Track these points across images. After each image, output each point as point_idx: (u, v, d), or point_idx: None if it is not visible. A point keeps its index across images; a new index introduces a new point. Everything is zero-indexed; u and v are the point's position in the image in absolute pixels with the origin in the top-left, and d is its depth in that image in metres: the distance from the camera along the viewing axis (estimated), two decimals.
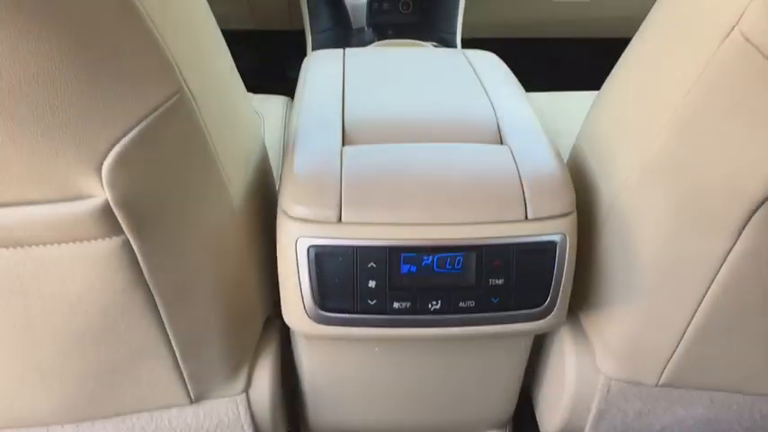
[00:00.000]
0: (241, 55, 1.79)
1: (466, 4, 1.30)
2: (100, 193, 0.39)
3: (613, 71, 0.55)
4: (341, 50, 0.76)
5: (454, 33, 1.26)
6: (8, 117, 0.33)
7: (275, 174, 0.92)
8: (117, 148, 0.37)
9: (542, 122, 0.60)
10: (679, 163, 0.43)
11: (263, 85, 1.79)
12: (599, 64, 1.88)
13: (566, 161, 0.88)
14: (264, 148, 0.59)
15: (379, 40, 1.23)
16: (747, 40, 0.36)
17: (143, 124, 0.37)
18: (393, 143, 0.53)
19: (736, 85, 0.37)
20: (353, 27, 1.09)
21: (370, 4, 1.09)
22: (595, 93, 1.08)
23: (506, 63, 1.59)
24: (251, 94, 1.07)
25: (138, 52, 0.35)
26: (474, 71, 0.68)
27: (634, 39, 0.52)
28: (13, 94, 0.32)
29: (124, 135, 0.37)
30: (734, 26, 0.36)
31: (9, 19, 0.28)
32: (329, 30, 1.28)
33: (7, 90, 0.31)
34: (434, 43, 1.27)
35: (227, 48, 0.49)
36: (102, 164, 0.37)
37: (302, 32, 1.33)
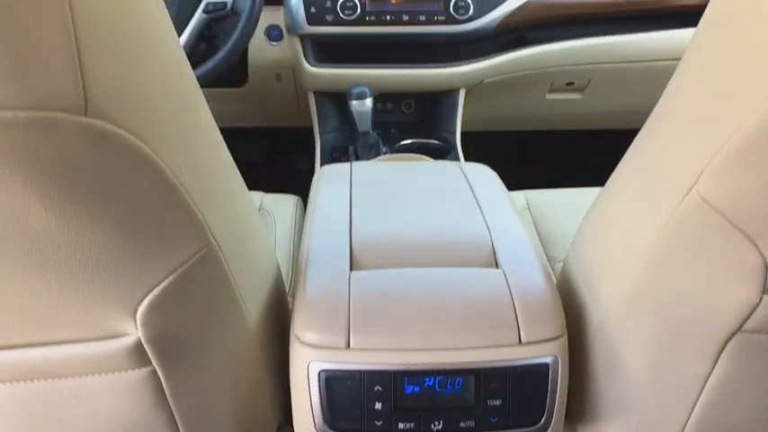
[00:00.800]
0: (253, 148, 1.90)
1: (464, 102, 1.39)
2: (133, 332, 0.44)
3: (598, 197, 0.60)
4: (348, 167, 0.83)
5: (454, 133, 1.34)
6: (62, 279, 0.38)
7: (285, 274, 0.97)
8: (150, 296, 0.42)
9: (533, 244, 0.65)
10: (654, 298, 0.48)
11: (274, 176, 1.88)
12: (588, 153, 1.98)
13: (560, 266, 0.92)
14: (279, 271, 0.64)
15: (383, 139, 1.31)
16: (703, 199, 0.41)
17: (174, 275, 0.42)
18: (397, 268, 0.58)
19: (696, 237, 0.43)
20: (359, 131, 1.17)
21: (374, 106, 1.17)
22: (586, 189, 1.14)
23: (501, 153, 1.69)
24: (263, 194, 1.14)
25: (174, 218, 0.40)
26: (471, 188, 0.74)
27: (610, 180, 0.57)
28: (69, 262, 0.37)
29: (158, 285, 0.42)
30: (692, 187, 0.42)
31: (71, 209, 0.34)
32: (336, 130, 1.37)
33: (65, 258, 0.37)
34: (436, 141, 1.35)
35: (244, 184, 0.55)
36: (137, 309, 0.42)
37: (311, 129, 1.43)
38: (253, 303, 0.53)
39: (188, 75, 0.43)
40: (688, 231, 0.43)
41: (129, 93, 0.33)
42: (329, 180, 0.79)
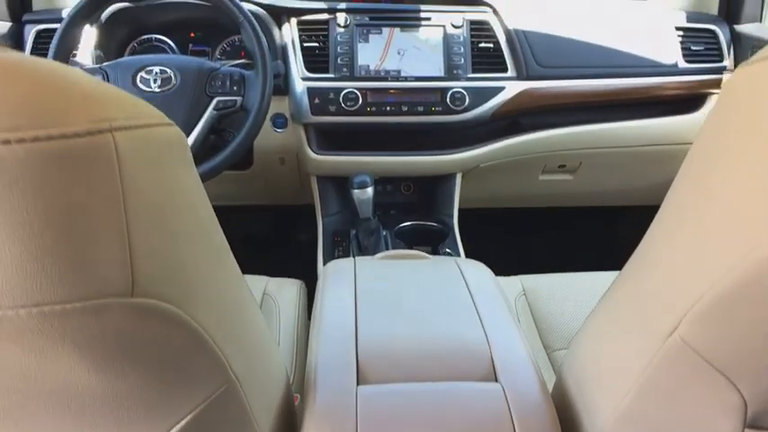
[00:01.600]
0: (256, 221, 1.93)
1: (462, 182, 1.44)
2: None
3: (591, 314, 0.64)
4: (351, 265, 0.87)
5: (451, 216, 1.39)
6: (95, 424, 0.41)
7: (289, 363, 0.99)
8: (174, 430, 0.45)
9: (529, 353, 0.68)
10: (647, 420, 0.51)
11: (276, 249, 1.92)
12: (578, 228, 2.02)
13: (556, 355, 0.95)
14: (287, 380, 0.67)
15: (383, 220, 1.36)
16: (685, 342, 0.45)
17: (196, 411, 0.45)
18: (401, 383, 0.61)
19: (679, 375, 0.46)
20: (360, 217, 1.22)
21: (374, 193, 1.21)
22: (582, 275, 1.18)
23: (497, 229, 1.72)
24: (267, 278, 1.17)
25: (199, 363, 0.44)
26: (469, 292, 0.78)
27: (603, 299, 0.61)
28: (103, 409, 0.40)
29: (181, 420, 0.45)
30: (674, 330, 0.45)
31: (111, 368, 0.37)
32: (338, 213, 1.42)
33: (99, 406, 0.40)
34: (435, 224, 1.39)
35: (259, 310, 0.58)
36: None
37: (312, 206, 1.47)
38: (265, 421, 0.55)
39: (219, 240, 0.47)
40: (672, 369, 0.47)
41: (170, 266, 0.37)
42: (334, 282, 0.82)
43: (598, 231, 1.94)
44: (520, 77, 1.34)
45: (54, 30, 1.30)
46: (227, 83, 1.11)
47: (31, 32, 1.32)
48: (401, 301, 0.76)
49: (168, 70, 1.10)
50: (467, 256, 1.32)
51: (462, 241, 1.38)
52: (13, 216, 0.29)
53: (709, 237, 0.43)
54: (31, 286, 0.30)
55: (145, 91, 1.09)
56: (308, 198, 1.49)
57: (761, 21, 1.42)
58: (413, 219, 1.41)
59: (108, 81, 1.10)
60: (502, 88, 1.32)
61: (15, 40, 1.32)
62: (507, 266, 1.83)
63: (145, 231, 0.34)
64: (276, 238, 1.94)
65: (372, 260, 0.91)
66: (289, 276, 1.20)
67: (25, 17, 1.34)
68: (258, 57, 1.11)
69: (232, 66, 1.37)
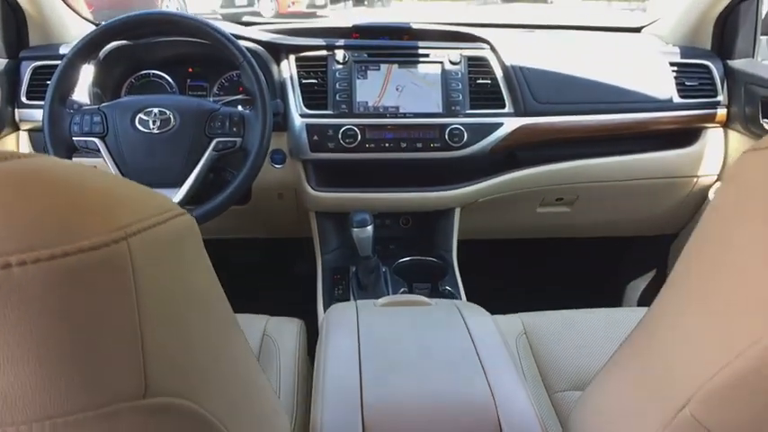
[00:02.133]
0: (254, 252, 1.91)
1: (461, 215, 1.44)
2: None
3: (601, 372, 0.63)
4: (354, 313, 0.86)
5: (450, 251, 1.39)
6: None
7: (290, 405, 0.98)
8: None
9: (533, 405, 0.67)
10: None
11: (274, 279, 1.91)
12: (577, 258, 2.03)
13: (558, 396, 0.93)
14: None
15: (382, 255, 1.35)
16: (695, 418, 0.44)
17: None
18: None
19: None
20: (360, 255, 1.21)
21: (374, 231, 1.21)
22: (582, 312, 1.18)
23: (495, 260, 1.72)
24: (267, 318, 1.16)
25: None
26: (473, 343, 0.77)
27: (611, 362, 0.61)
28: None
29: None
30: (684, 406, 0.45)
31: None
32: (337, 249, 1.41)
33: None
34: (434, 259, 1.39)
35: (264, 377, 0.57)
36: None
37: (310, 238, 1.47)
38: None
39: (226, 314, 0.46)
40: None
41: (182, 361, 0.37)
42: (337, 332, 0.82)
43: (596, 261, 1.95)
44: (517, 113, 1.34)
45: (51, 66, 1.31)
46: (227, 123, 1.11)
47: (27, 69, 1.32)
48: (405, 355, 0.75)
49: (167, 111, 1.10)
50: (466, 291, 1.31)
51: (461, 275, 1.38)
52: (29, 336, 0.28)
53: (718, 319, 0.43)
54: (44, 400, 0.30)
55: (144, 132, 1.09)
56: (307, 231, 1.48)
57: (753, 56, 1.44)
58: (412, 253, 1.40)
59: (106, 122, 1.10)
60: (500, 124, 1.33)
61: (12, 77, 1.32)
62: (507, 300, 1.83)
63: (157, 331, 0.34)
64: (275, 270, 1.93)
65: (374, 307, 0.90)
66: (288, 311, 1.19)
67: (22, 53, 1.34)
68: (258, 98, 1.11)
69: (231, 102, 1.38)
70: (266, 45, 1.34)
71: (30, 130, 1.33)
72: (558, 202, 1.52)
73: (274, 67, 1.34)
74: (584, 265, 1.98)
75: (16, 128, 1.33)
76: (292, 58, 1.34)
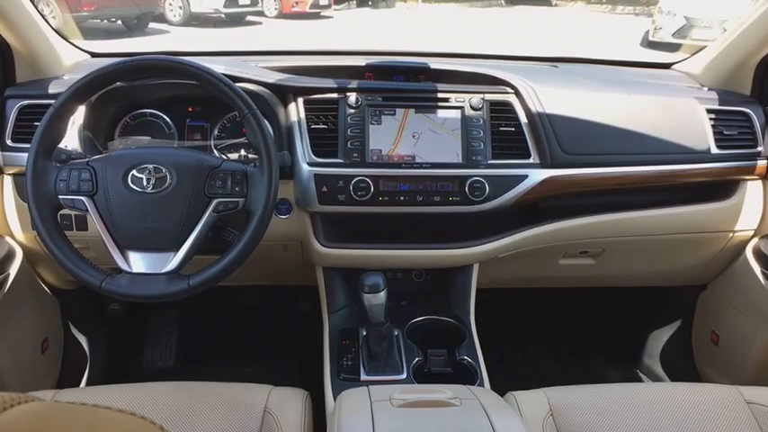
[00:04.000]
0: (255, 295, 1.82)
1: (480, 266, 1.33)
2: None
3: None
4: (368, 405, 0.77)
5: (468, 312, 1.28)
6: None
7: None
8: None
9: None
10: None
11: (276, 320, 1.81)
12: (597, 307, 1.93)
13: None
14: None
15: (393, 314, 1.25)
16: None
17: None
18: None
19: None
20: (371, 322, 1.11)
21: (386, 287, 1.10)
22: (612, 387, 1.08)
23: (507, 306, 1.60)
24: (270, 388, 1.06)
25: None
26: None
27: None
28: None
29: None
30: None
31: None
32: (346, 307, 1.31)
33: None
34: (450, 320, 1.29)
35: None
36: None
37: (315, 287, 1.37)
38: None
39: None
40: None
41: None
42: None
43: (617, 309, 1.85)
44: (543, 165, 1.24)
45: (39, 106, 1.20)
46: (229, 182, 1.01)
47: (13, 109, 1.21)
48: None
49: (163, 168, 1.00)
50: (485, 358, 1.21)
51: (478, 332, 1.27)
52: None
53: None
54: None
55: (137, 192, 0.98)
56: (312, 280, 1.38)
57: None
58: (425, 311, 1.30)
59: (96, 179, 0.99)
60: (524, 176, 1.23)
61: None
62: (527, 360, 1.73)
63: None
64: (275, 307, 1.83)
65: (391, 408, 0.80)
66: (290, 369, 1.09)
67: (8, 92, 1.23)
68: (264, 154, 1.01)
69: (233, 145, 1.27)
70: (272, 87, 1.24)
71: (15, 174, 1.23)
72: (582, 255, 1.42)
73: (281, 111, 1.23)
74: (604, 315, 1.88)
75: (0, 171, 1.23)
76: (300, 101, 1.24)
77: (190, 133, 1.31)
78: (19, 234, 1.27)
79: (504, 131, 1.25)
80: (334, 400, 1.02)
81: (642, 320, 1.78)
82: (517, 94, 1.27)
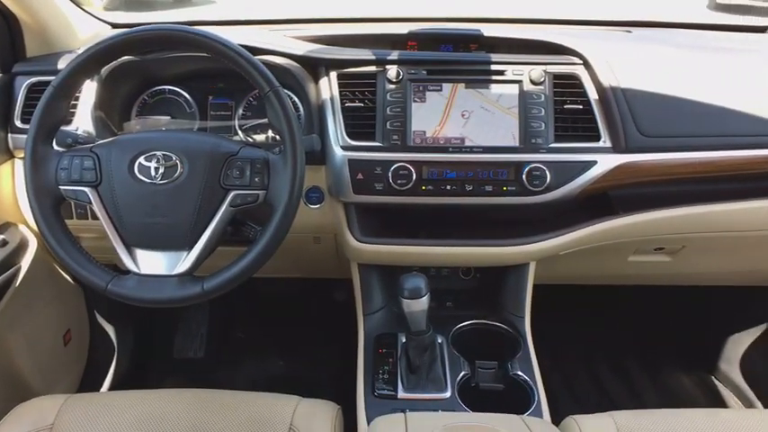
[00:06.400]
0: (288, 288, 1.71)
1: (537, 263, 1.17)
2: None
3: None
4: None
5: (523, 317, 1.13)
6: None
7: None
8: None
9: None
10: None
11: (310, 312, 1.70)
12: (668, 307, 1.72)
13: None
14: None
15: (436, 317, 1.11)
16: None
17: None
18: None
19: None
20: (411, 330, 0.97)
21: (429, 293, 0.96)
22: (686, 413, 0.91)
23: (564, 302, 1.41)
24: (298, 400, 0.94)
25: None
26: None
27: None
28: None
29: None
30: None
31: None
32: (383, 308, 1.17)
33: None
34: (501, 325, 1.14)
35: None
36: None
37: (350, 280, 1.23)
38: None
39: None
40: None
41: None
42: None
43: (691, 310, 1.65)
44: (616, 149, 1.05)
45: (48, 83, 1.09)
46: (248, 172, 0.87)
47: (22, 87, 1.11)
48: None
49: (173, 156, 0.87)
50: (541, 369, 1.06)
51: (534, 338, 1.12)
52: None
53: None
54: None
55: (144, 182, 0.86)
56: (347, 273, 1.24)
57: None
58: (473, 314, 1.15)
59: (100, 167, 0.87)
60: (593, 162, 1.05)
61: (5, 94, 1.11)
62: (590, 372, 1.56)
63: None
64: (310, 298, 1.72)
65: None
66: (326, 363, 0.97)
67: (16, 68, 1.13)
68: (288, 139, 0.87)
69: (259, 126, 1.14)
70: (301, 60, 1.09)
71: None
72: (657, 251, 1.23)
73: (311, 87, 1.08)
74: (677, 314, 1.68)
75: (11, 155, 1.14)
76: (333, 75, 1.08)
77: (213, 111, 1.17)
78: (33, 222, 1.18)
79: (569, 110, 1.07)
80: (368, 423, 0.89)
81: (720, 323, 1.57)
82: (586, 65, 1.08)
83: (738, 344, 1.52)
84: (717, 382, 1.57)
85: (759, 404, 1.43)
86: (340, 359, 1.10)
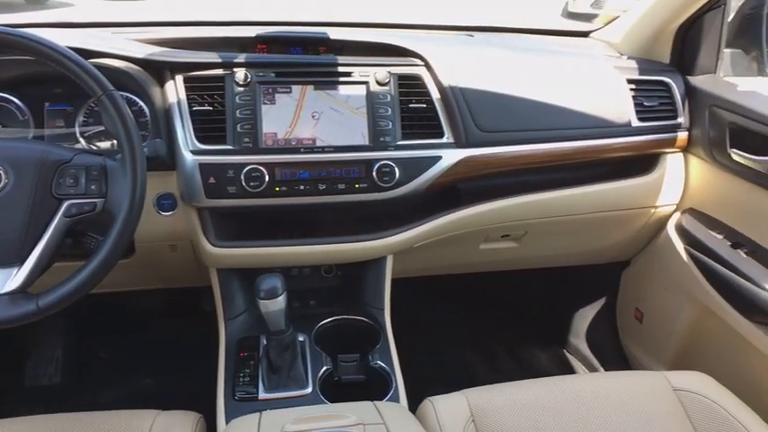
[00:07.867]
0: (151, 298, 1.64)
1: (394, 256, 1.22)
2: None
3: None
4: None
5: (382, 309, 1.17)
6: None
7: None
8: None
9: None
10: None
11: (176, 324, 1.64)
12: (519, 289, 1.86)
13: None
14: None
15: (300, 314, 1.12)
16: None
17: None
18: None
19: None
20: (271, 330, 0.98)
21: (285, 291, 0.97)
22: (534, 383, 1.00)
23: (425, 297, 1.47)
24: (155, 413, 0.91)
25: None
26: None
27: None
28: None
29: None
30: None
31: None
32: (245, 312, 1.17)
33: None
34: (363, 318, 1.17)
35: None
36: None
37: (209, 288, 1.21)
38: None
39: None
40: None
41: None
42: None
43: (540, 290, 1.79)
44: (458, 144, 1.13)
45: None
46: (83, 179, 0.84)
47: None
48: None
49: None
50: (400, 357, 1.10)
51: (394, 329, 1.17)
52: None
53: None
54: None
55: None
56: (208, 279, 1.22)
57: (715, 71, 1.29)
58: (335, 310, 1.18)
59: None
60: (438, 158, 1.11)
61: None
62: (451, 359, 1.64)
63: None
64: (175, 309, 1.66)
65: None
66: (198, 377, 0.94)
67: None
68: (125, 144, 0.84)
69: (101, 134, 1.09)
70: (143, 63, 1.06)
71: None
72: (503, 238, 1.33)
73: (156, 91, 1.06)
74: (529, 296, 1.82)
75: None
76: (179, 78, 1.06)
77: (50, 119, 1.10)
78: None
79: (414, 108, 1.13)
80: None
81: (567, 301, 1.73)
82: (428, 66, 1.15)
83: (584, 318, 1.68)
84: (568, 354, 1.73)
85: (602, 369, 1.59)
86: (209, 368, 1.08)
